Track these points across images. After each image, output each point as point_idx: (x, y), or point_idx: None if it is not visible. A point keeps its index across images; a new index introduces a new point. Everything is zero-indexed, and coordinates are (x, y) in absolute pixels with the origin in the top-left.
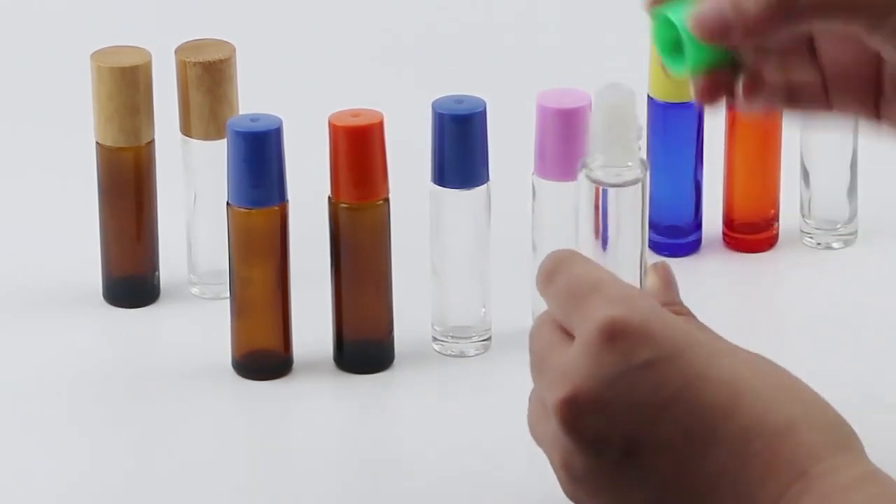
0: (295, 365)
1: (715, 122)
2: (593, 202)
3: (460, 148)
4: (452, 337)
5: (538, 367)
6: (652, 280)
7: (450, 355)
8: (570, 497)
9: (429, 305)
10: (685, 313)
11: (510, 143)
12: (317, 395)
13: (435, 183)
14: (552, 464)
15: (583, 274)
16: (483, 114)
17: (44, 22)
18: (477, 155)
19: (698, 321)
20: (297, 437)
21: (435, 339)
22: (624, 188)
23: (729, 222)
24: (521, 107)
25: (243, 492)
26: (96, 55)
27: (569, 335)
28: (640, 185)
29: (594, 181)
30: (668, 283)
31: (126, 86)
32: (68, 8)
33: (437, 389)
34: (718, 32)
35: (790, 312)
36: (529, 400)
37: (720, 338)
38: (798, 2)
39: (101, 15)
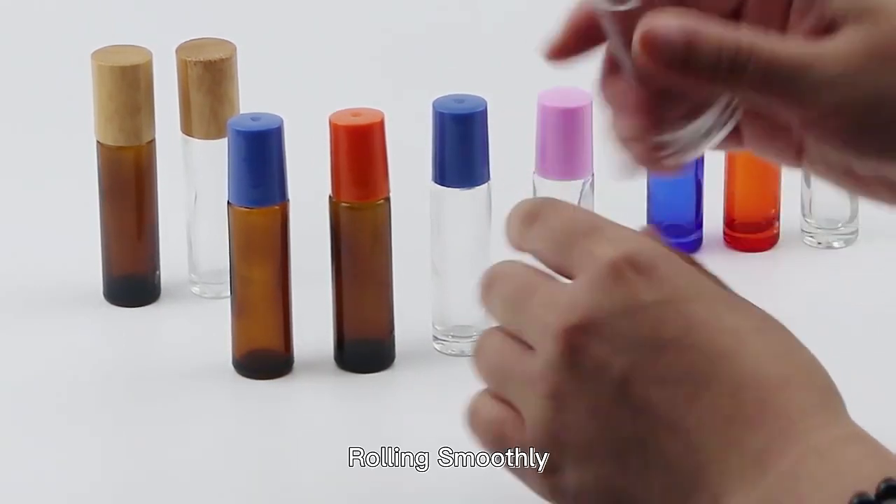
0: (295, 364)
1: None
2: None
3: (461, 147)
4: (453, 336)
5: (519, 306)
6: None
7: (450, 354)
8: (548, 431)
9: (429, 305)
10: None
11: (511, 143)
12: (317, 395)
13: (436, 182)
14: (527, 403)
15: (577, 215)
16: (484, 113)
17: (44, 21)
18: (478, 154)
19: (706, 267)
20: (297, 437)
21: (436, 338)
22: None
23: (730, 221)
24: (522, 106)
25: (244, 491)
26: (97, 54)
27: (549, 278)
28: None
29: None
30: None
31: (127, 85)
32: (69, 7)
33: (437, 389)
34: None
35: (791, 312)
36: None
37: (726, 287)
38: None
39: (102, 14)
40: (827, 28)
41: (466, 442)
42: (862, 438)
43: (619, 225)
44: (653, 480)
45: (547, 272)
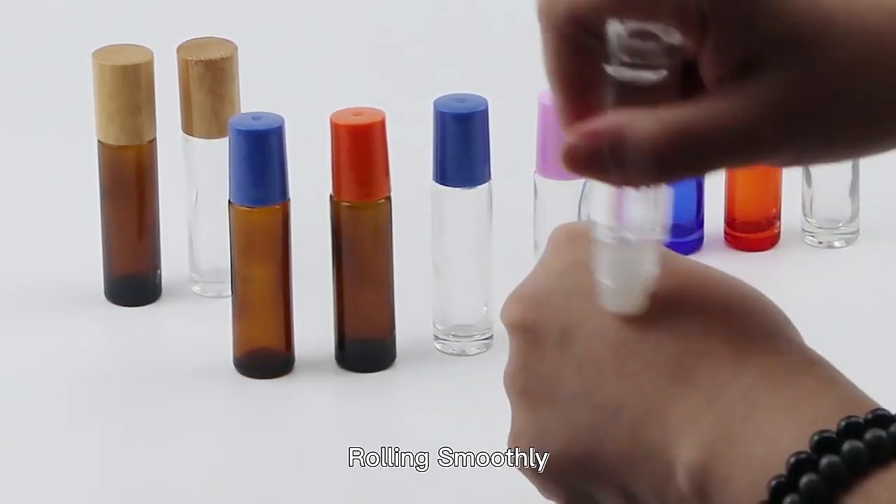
0: (296, 364)
1: None
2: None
3: (462, 147)
4: (454, 336)
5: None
6: None
7: (451, 354)
8: (521, 380)
9: (430, 304)
10: None
11: (512, 142)
12: (318, 394)
13: (436, 182)
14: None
15: None
16: (484, 112)
17: (45, 21)
18: (478, 154)
19: None
20: (298, 436)
21: (436, 337)
22: None
23: (731, 221)
24: (523, 105)
25: (244, 490)
26: (98, 54)
27: None
28: None
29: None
30: None
31: (128, 84)
32: (70, 6)
33: (438, 388)
34: (588, 171)
35: (792, 311)
36: None
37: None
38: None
39: (103, 13)
40: (749, 64)
41: (467, 442)
42: (817, 365)
43: None
44: (606, 430)
45: None
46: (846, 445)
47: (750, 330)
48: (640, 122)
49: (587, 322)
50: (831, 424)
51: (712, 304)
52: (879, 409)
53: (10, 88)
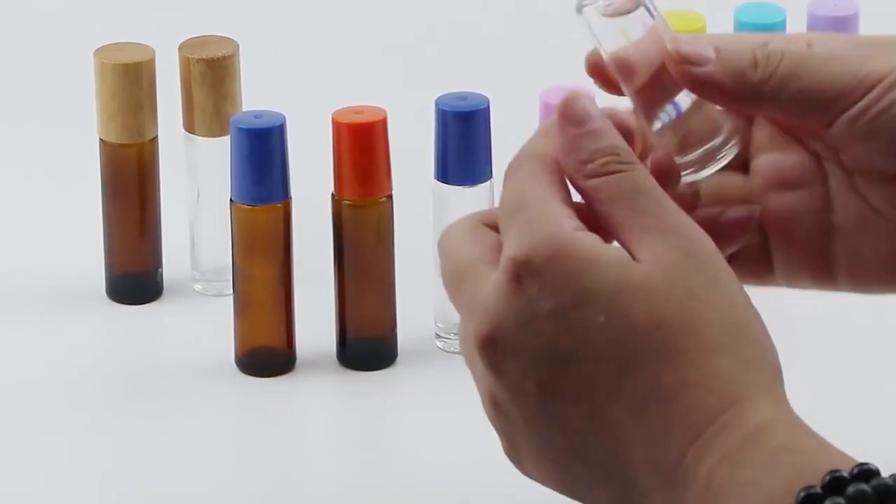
0: (298, 362)
1: None
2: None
3: (463, 145)
4: (455, 334)
5: (452, 293)
6: (538, 143)
7: (453, 352)
8: (496, 428)
9: (432, 302)
10: (614, 171)
11: (513, 140)
12: (320, 393)
13: (438, 180)
14: (479, 392)
15: (517, 187)
16: (486, 111)
17: (47, 19)
18: (480, 152)
19: (629, 192)
20: (299, 435)
21: (438, 336)
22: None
23: None
24: (525, 104)
25: (245, 489)
26: (99, 52)
27: (479, 261)
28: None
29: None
30: (572, 133)
31: (129, 82)
32: (71, 5)
33: (439, 386)
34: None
35: (792, 310)
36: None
37: (631, 268)
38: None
39: (105, 12)
40: None
41: (468, 440)
42: (768, 432)
43: (540, 201)
44: (596, 488)
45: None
46: None
47: (702, 409)
48: None
49: (563, 380)
50: (788, 500)
51: (668, 379)
52: (834, 472)
53: (12, 87)
